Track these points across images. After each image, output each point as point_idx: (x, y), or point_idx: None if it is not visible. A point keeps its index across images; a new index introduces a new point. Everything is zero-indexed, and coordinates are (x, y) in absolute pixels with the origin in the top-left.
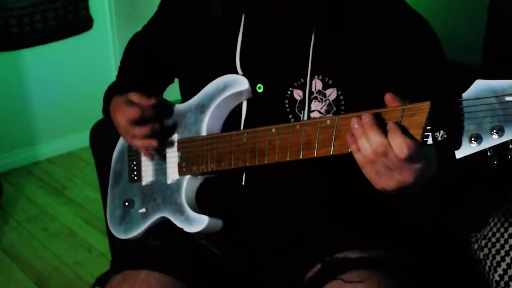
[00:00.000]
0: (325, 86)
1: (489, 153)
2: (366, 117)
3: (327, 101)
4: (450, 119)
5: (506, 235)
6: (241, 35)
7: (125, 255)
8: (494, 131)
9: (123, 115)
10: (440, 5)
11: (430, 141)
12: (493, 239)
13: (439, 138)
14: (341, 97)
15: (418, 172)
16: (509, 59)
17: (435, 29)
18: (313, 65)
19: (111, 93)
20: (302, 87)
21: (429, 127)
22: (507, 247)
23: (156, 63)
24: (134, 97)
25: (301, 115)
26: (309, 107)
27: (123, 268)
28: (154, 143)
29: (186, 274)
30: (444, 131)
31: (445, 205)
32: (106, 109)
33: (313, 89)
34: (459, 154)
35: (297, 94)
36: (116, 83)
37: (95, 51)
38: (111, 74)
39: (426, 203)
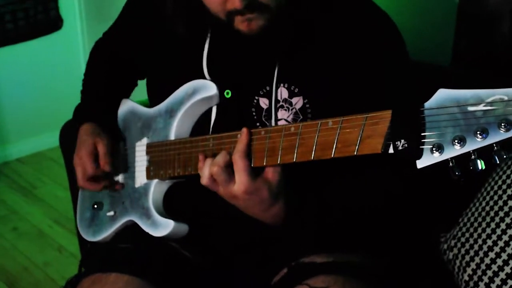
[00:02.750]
0: (291, 94)
1: (450, 164)
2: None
3: (294, 110)
4: (411, 128)
5: (475, 235)
6: (208, 42)
7: (95, 257)
8: (456, 141)
9: (81, 166)
10: (410, 6)
11: (391, 150)
12: (463, 239)
13: (400, 147)
14: (308, 105)
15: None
16: (478, 60)
17: (405, 30)
18: (279, 73)
19: (82, 111)
20: (268, 96)
21: (390, 136)
22: (476, 247)
23: (121, 69)
24: (100, 147)
25: (268, 124)
26: (276, 115)
27: (93, 270)
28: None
29: (156, 277)
30: (405, 140)
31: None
32: (77, 119)
33: (279, 98)
34: (420, 164)
35: (263, 102)
36: (85, 98)
37: (64, 51)
38: (81, 74)
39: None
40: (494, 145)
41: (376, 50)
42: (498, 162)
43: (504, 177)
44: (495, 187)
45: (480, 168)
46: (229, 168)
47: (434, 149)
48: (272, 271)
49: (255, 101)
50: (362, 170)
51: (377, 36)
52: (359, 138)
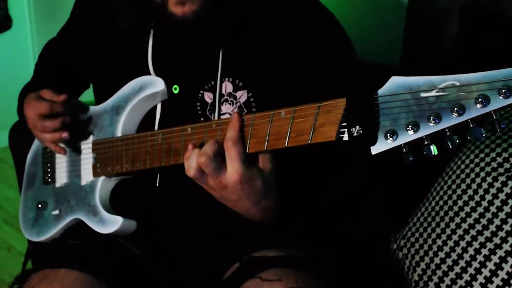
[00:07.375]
0: (236, 88)
1: (404, 150)
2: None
3: (238, 103)
4: (365, 115)
5: (425, 235)
6: (152, 38)
7: (44, 253)
8: (410, 126)
9: (33, 110)
10: (359, 6)
11: (346, 137)
12: (412, 239)
13: (355, 134)
14: (252, 99)
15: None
16: (428, 60)
17: (354, 30)
18: (223, 67)
19: (25, 94)
20: (213, 90)
21: (345, 124)
22: (426, 247)
23: (70, 69)
24: (46, 93)
25: (212, 118)
26: (220, 109)
27: (42, 266)
28: (64, 134)
29: (105, 273)
30: (359, 127)
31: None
32: (20, 109)
33: (223, 92)
34: (374, 150)
35: (208, 97)
36: (30, 84)
37: (14, 51)
38: (30, 74)
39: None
40: (447, 130)
41: (319, 43)
42: (450, 147)
43: (453, 176)
44: (445, 187)
45: (433, 153)
46: (218, 157)
47: (388, 135)
48: (224, 267)
49: (200, 95)
50: (332, 160)
51: (320, 29)
52: (312, 127)
